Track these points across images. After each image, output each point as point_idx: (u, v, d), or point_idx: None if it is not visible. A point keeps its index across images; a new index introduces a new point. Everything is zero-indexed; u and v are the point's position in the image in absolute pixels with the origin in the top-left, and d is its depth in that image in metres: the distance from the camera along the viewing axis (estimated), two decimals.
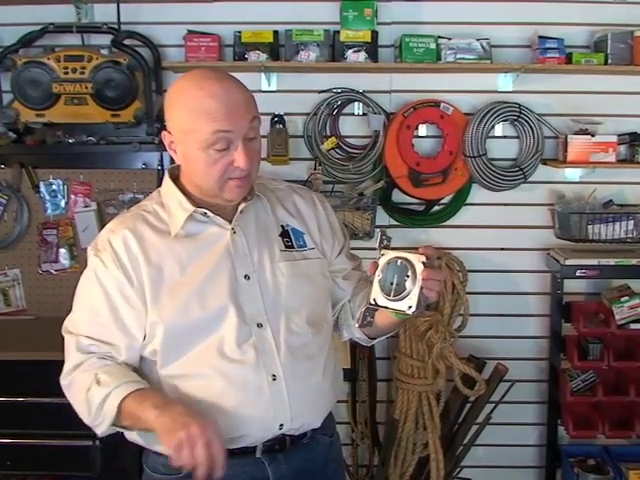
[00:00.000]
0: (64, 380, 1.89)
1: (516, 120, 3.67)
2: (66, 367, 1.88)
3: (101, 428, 1.81)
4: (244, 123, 1.80)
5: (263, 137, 3.62)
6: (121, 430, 1.85)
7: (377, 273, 1.77)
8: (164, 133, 1.90)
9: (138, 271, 1.86)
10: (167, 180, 1.99)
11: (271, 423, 1.92)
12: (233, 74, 1.89)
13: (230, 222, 1.95)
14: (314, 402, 2.00)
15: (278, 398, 1.90)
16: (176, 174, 1.99)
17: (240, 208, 1.96)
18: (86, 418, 1.83)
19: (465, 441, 3.67)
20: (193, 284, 1.87)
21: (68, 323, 1.93)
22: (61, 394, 3.16)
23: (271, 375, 1.89)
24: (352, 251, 2.24)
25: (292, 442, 1.99)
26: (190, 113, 1.80)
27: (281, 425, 1.93)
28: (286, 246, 2.02)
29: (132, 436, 1.97)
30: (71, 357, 1.87)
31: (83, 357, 1.85)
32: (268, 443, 1.95)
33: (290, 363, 1.91)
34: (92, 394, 1.79)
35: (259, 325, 1.90)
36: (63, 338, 1.92)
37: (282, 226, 2.05)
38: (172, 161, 2.01)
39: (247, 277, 1.92)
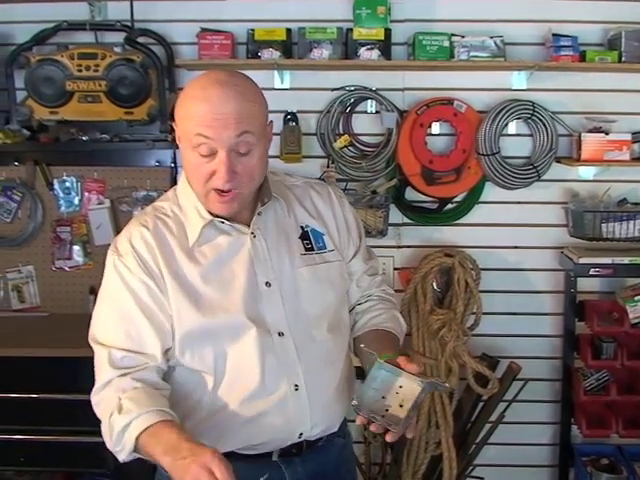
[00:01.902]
0: (94, 397, 1.80)
1: (530, 118, 3.66)
2: (97, 383, 1.80)
3: (121, 456, 1.72)
4: (229, 134, 1.73)
5: (276, 135, 3.63)
6: (143, 457, 1.74)
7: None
8: (174, 124, 1.86)
9: (161, 273, 1.82)
10: (184, 181, 1.93)
11: (291, 433, 1.90)
12: (246, 72, 1.84)
13: (248, 226, 1.89)
14: (334, 408, 1.98)
15: (300, 408, 1.88)
16: None
17: (258, 210, 1.91)
18: (108, 443, 1.74)
19: (478, 440, 3.67)
20: (214, 293, 1.83)
21: (97, 332, 1.84)
22: (74, 391, 3.19)
23: (293, 385, 1.86)
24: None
25: (308, 446, 1.97)
26: (184, 110, 1.78)
27: (300, 434, 1.91)
28: (306, 249, 1.96)
29: None
30: (102, 372, 1.79)
31: (114, 373, 1.76)
32: (285, 448, 1.93)
33: (312, 372, 1.88)
34: (114, 420, 1.70)
35: (280, 334, 1.86)
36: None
37: (302, 227, 1.99)
38: None
39: (268, 284, 1.88)
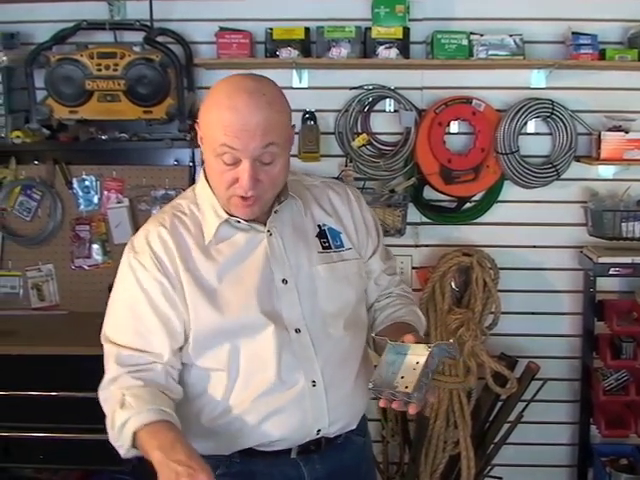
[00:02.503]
0: (101, 393, 1.82)
1: (549, 117, 3.64)
2: (104, 379, 1.82)
3: (122, 451, 1.73)
4: (255, 146, 1.72)
5: (294, 134, 3.62)
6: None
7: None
8: (197, 125, 1.85)
9: (177, 273, 1.82)
10: (202, 180, 1.94)
11: (309, 429, 1.90)
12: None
13: (265, 224, 1.90)
14: (352, 405, 1.98)
15: (317, 405, 1.88)
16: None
17: (274, 209, 1.91)
18: (111, 437, 1.75)
19: (496, 439, 3.65)
20: (231, 291, 1.84)
21: (108, 330, 1.86)
22: (92, 389, 3.20)
23: (311, 381, 1.86)
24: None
25: (327, 443, 1.97)
26: (210, 118, 1.76)
27: (318, 430, 1.91)
28: (323, 247, 1.97)
29: None
30: (110, 369, 1.81)
31: (121, 371, 1.79)
32: (303, 445, 1.94)
33: (329, 368, 1.89)
34: (116, 415, 1.72)
35: (297, 331, 1.87)
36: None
37: (319, 226, 1.99)
38: None
39: (285, 281, 1.88)
